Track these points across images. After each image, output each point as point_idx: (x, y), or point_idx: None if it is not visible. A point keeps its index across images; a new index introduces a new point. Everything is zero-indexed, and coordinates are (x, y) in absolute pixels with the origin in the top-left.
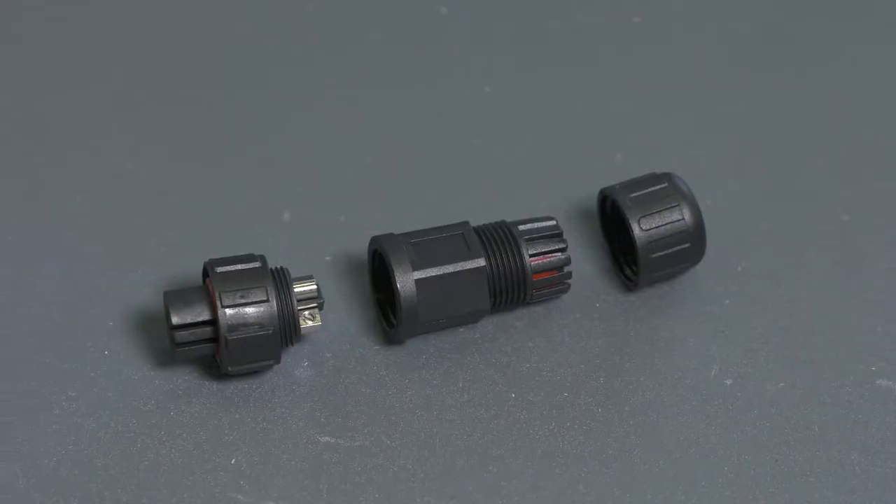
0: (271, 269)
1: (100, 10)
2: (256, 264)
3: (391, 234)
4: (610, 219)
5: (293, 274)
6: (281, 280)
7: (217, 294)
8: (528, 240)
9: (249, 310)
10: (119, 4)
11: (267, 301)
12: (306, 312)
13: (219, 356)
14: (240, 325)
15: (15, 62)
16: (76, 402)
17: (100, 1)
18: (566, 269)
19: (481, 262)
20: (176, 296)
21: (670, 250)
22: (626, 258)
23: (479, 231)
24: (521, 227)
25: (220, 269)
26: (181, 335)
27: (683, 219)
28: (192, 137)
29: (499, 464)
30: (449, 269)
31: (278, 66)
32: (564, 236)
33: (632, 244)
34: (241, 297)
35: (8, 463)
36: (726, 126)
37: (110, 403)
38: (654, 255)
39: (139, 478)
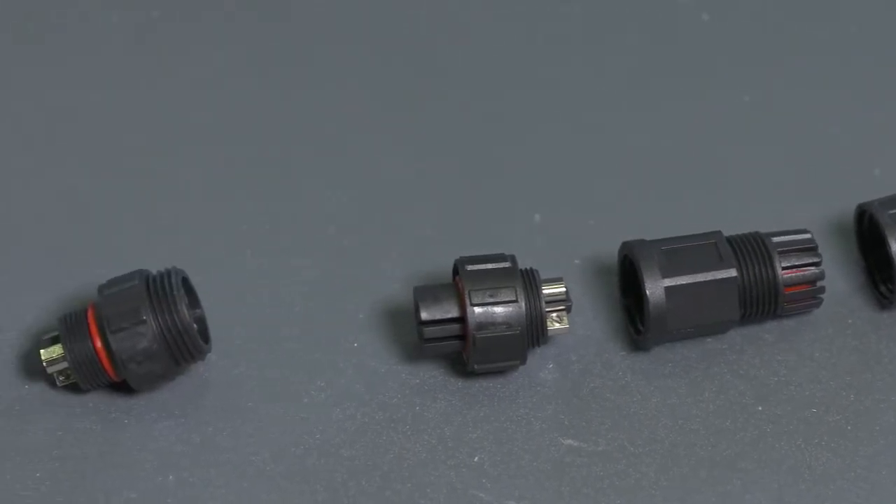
0: (521, 270)
1: (356, 7)
2: (507, 264)
3: (642, 240)
4: (867, 235)
5: (542, 275)
6: (530, 281)
7: (466, 292)
8: (781, 252)
9: (498, 309)
10: (373, 3)
11: (516, 301)
12: (554, 314)
13: (465, 354)
14: (488, 323)
15: (275, 60)
16: (325, 392)
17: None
18: (819, 283)
19: (733, 272)
20: (426, 292)
21: None
22: (882, 275)
23: (731, 241)
24: (775, 239)
25: (470, 268)
26: (429, 331)
27: None
28: (447, 136)
29: (743, 476)
30: (700, 277)
31: (533, 67)
32: (819, 250)
33: (889, 261)
34: (490, 296)
35: (259, 449)
36: None
37: (358, 395)
38: None
39: (383, 470)
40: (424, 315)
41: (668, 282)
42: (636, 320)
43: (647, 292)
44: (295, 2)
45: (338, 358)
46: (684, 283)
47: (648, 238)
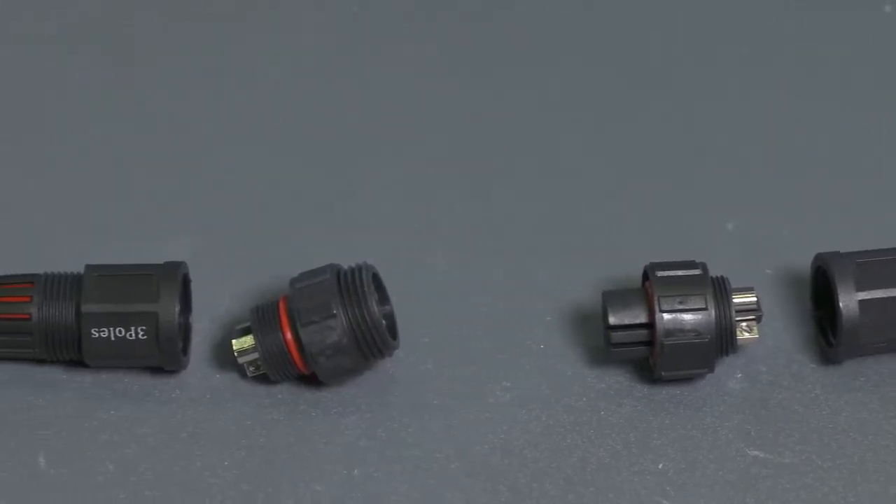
0: (712, 278)
1: (558, 7)
2: (697, 271)
3: (837, 252)
4: None
5: (733, 284)
6: (721, 289)
7: (656, 298)
8: None
9: (687, 316)
10: (578, 3)
11: (705, 309)
12: (744, 324)
13: (653, 360)
14: (676, 330)
15: (480, 60)
16: (510, 392)
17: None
18: None
19: None
20: (615, 296)
21: None
22: None
23: None
24: None
25: (660, 274)
26: (617, 336)
27: None
28: (641, 141)
29: None
30: (895, 292)
31: (734, 77)
32: None
33: None
34: (680, 302)
35: (444, 446)
36: None
37: (543, 397)
38: None
39: (567, 473)
40: (613, 319)
41: (863, 295)
42: (828, 333)
43: (841, 305)
44: (497, 1)
45: (524, 359)
46: (879, 296)
47: (843, 250)
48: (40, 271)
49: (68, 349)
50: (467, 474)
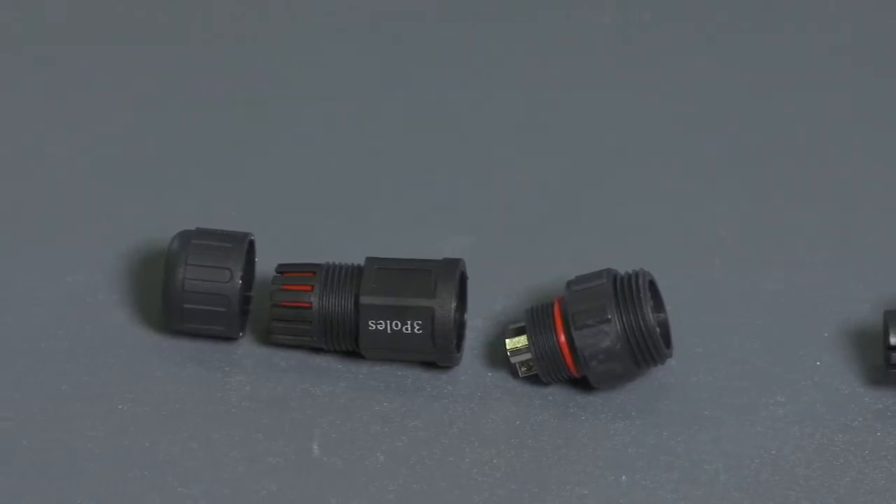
0: None
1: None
2: None
3: None
4: None
5: None
6: None
7: None
8: None
9: None
10: None
11: None
12: None
13: None
14: None
15: (761, 69)
16: (783, 408)
17: None
18: None
19: None
20: None
21: None
22: None
23: None
24: None
25: None
26: None
27: None
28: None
29: None
30: None
31: None
32: None
33: None
34: None
35: (713, 458)
36: None
37: (817, 414)
38: None
39: (839, 493)
40: (894, 340)
41: None
42: None
43: None
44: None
45: (799, 375)
46: None
47: None
48: (323, 261)
49: (345, 339)
50: (736, 488)
